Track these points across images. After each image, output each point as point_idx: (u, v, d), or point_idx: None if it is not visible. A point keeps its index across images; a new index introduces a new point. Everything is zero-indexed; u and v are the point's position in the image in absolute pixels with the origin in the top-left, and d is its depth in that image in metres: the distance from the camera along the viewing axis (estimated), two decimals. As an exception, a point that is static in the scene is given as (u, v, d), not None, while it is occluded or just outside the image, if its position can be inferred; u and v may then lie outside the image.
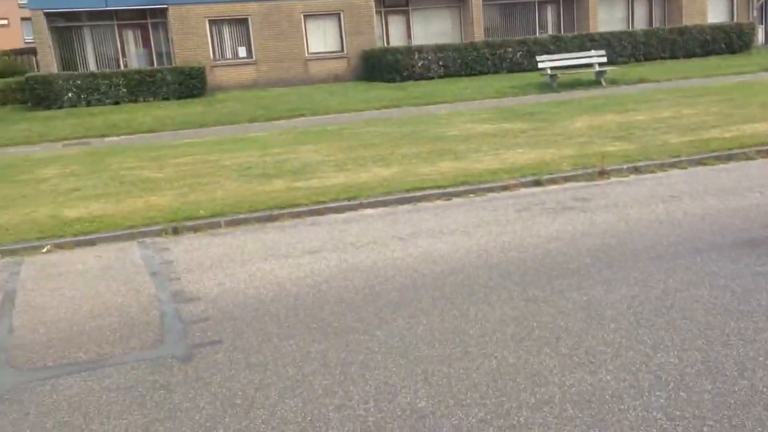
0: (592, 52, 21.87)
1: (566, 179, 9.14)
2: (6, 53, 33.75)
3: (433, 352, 4.43)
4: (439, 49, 25.67)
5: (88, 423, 3.85)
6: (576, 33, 28.00)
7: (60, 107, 22.09)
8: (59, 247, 7.54)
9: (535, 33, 29.44)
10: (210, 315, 5.30)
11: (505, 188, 8.87)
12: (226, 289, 5.85)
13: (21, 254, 7.35)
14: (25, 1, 26.66)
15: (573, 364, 4.16)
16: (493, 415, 3.67)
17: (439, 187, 8.92)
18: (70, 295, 5.99)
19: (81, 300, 5.83)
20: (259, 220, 8.10)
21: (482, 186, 8.91)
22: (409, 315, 5.04)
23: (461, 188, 8.85)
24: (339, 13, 27.13)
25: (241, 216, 8.15)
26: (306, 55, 26.98)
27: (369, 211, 8.30)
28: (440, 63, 25.54)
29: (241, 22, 26.25)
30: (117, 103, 22.57)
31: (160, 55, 26.27)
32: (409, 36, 28.66)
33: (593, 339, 4.48)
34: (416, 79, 24.97)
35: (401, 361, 4.34)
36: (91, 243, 7.63)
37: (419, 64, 25.31)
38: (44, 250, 7.45)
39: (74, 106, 22.29)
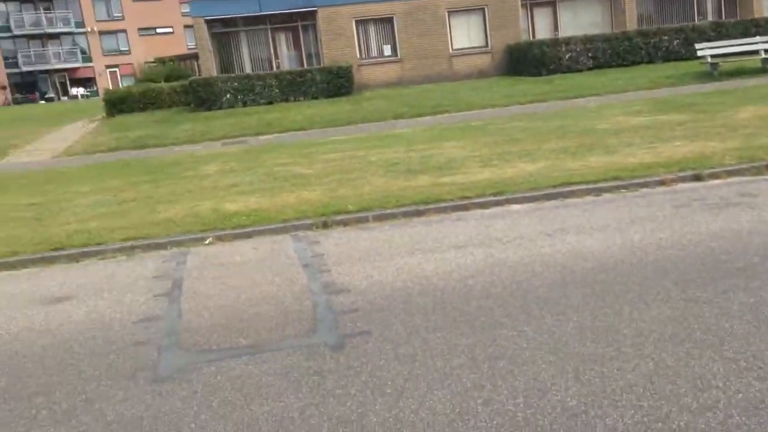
0: (758, 38, 20.29)
1: (730, 173, 8.55)
2: (172, 59, 36.36)
3: (584, 350, 4.30)
4: (588, 39, 24.85)
5: (249, 403, 4.08)
6: (739, 18, 26.13)
7: (219, 108, 23.52)
8: (220, 239, 8.01)
9: (693, 20, 27.77)
10: (359, 306, 5.44)
11: (661, 183, 8.44)
12: (375, 282, 5.98)
13: (187, 245, 7.88)
14: (188, 10, 28.56)
15: (739, 368, 3.90)
16: (650, 418, 3.51)
17: (588, 182, 8.63)
18: (231, 284, 6.35)
19: (240, 289, 6.17)
20: (405, 214, 8.22)
21: (635, 181, 8.52)
22: (559, 312, 4.93)
23: (612, 183, 8.52)
24: (483, 8, 26.95)
25: (388, 211, 8.30)
26: (450, 51, 27.02)
27: (515, 206, 8.19)
28: (589, 54, 24.73)
29: (387, 21, 26.71)
30: (270, 102, 23.70)
31: (309, 56, 27.28)
32: (555, 28, 27.95)
33: (762, 343, 4.17)
34: (563, 72, 24.32)
35: (551, 357, 4.25)
36: (248, 236, 8.05)
37: (567, 57, 24.63)
38: (207, 242, 7.95)
39: (232, 106, 23.65)
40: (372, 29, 26.92)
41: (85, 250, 7.87)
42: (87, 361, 4.89)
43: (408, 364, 4.37)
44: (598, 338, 4.45)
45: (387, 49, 27.00)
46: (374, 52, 27.05)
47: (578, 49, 24.65)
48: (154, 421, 3.98)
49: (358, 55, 26.58)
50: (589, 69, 24.53)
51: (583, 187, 8.48)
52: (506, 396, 3.86)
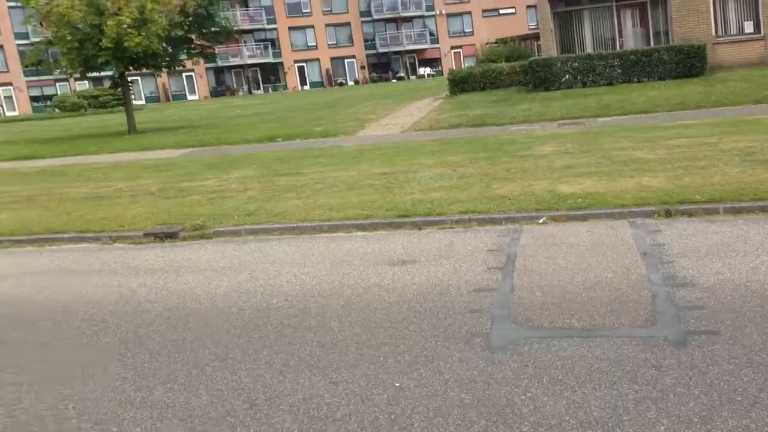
0: None
1: None
2: (512, 39, 37.06)
3: None
4: None
5: (581, 386, 4.02)
6: None
7: (557, 88, 23.35)
8: (553, 219, 7.98)
9: None
10: (705, 304, 5.01)
11: None
12: (724, 279, 5.45)
13: (520, 222, 8.00)
14: (534, -9, 28.65)
15: None
16: None
17: None
18: (563, 264, 6.30)
19: (573, 270, 6.09)
20: (764, 209, 7.34)
21: None
22: None
23: None
24: None
25: (743, 204, 7.49)
26: (832, 25, 23.33)
27: None
28: None
29: (751, -6, 23.96)
30: (610, 83, 22.86)
31: (657, 34, 25.65)
32: None
33: None
34: None
35: None
36: (583, 218, 7.90)
37: None
38: (540, 221, 7.99)
39: (570, 87, 23.31)
40: (731, 3, 24.33)
41: (427, 219, 8.43)
42: (427, 321, 5.25)
43: (763, 373, 3.92)
44: None
45: (748, 26, 24.22)
46: (733, 29, 24.45)
47: None
48: (486, 386, 4.14)
49: (713, 33, 24.27)
50: None
51: None
52: None
